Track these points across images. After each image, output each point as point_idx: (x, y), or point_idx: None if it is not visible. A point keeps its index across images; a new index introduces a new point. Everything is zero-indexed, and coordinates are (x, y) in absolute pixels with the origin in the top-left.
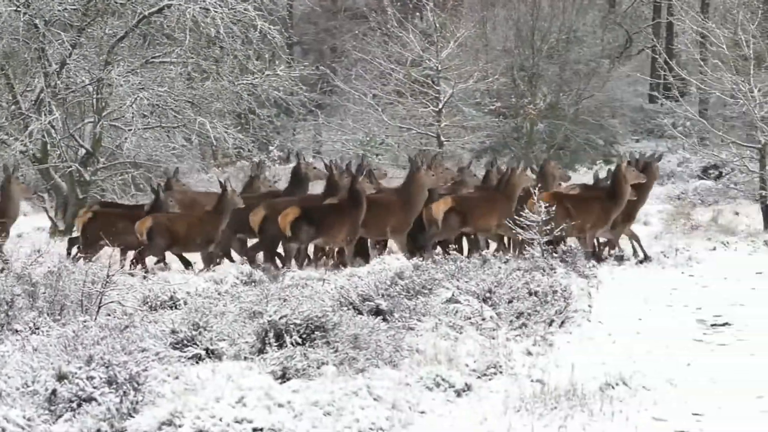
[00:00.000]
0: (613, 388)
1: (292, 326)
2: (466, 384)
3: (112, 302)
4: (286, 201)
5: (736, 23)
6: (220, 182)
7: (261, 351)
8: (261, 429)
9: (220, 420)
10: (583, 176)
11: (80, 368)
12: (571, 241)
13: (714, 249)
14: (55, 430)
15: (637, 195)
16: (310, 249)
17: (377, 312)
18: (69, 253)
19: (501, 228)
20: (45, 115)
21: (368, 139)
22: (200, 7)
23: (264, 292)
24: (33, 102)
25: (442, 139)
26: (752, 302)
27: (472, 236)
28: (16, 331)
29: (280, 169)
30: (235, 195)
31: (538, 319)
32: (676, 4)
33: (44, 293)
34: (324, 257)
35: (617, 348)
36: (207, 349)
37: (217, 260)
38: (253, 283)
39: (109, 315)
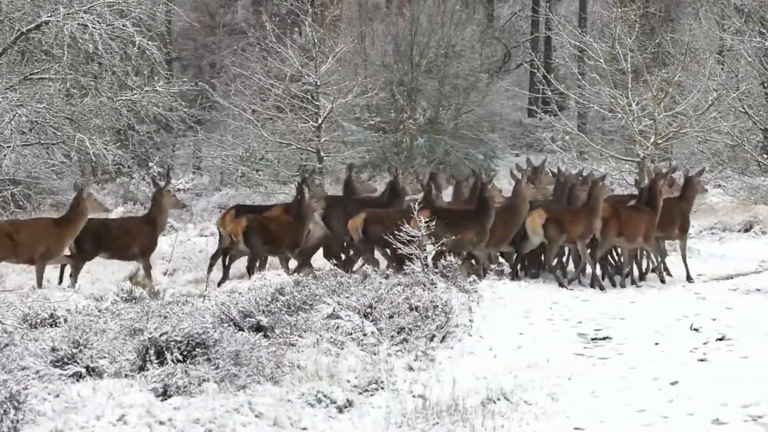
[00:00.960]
0: (494, 402)
1: (172, 343)
2: (347, 400)
3: None
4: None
5: (614, 37)
6: (299, 188)
7: (142, 368)
8: None
9: None
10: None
11: None
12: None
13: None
14: None
15: (683, 208)
16: None
17: (258, 328)
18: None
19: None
20: None
21: (248, 154)
22: (78, 24)
23: (144, 309)
24: None
25: (322, 154)
26: (632, 316)
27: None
28: None
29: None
30: (312, 201)
31: (420, 334)
32: (554, 19)
33: None
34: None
35: (498, 362)
36: (87, 367)
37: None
38: (133, 300)
39: None
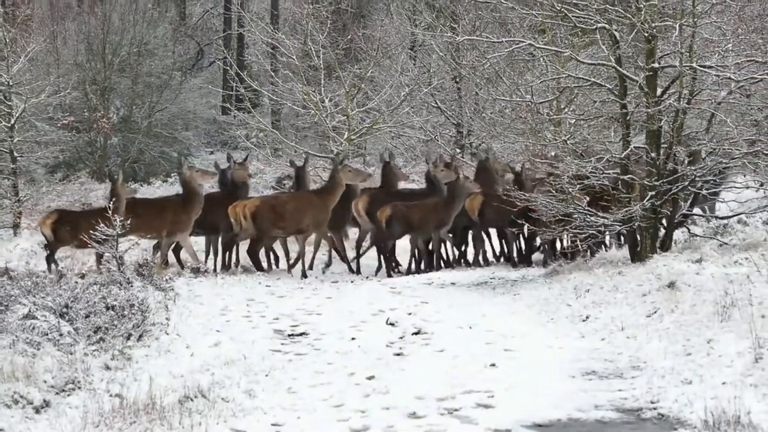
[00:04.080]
0: (192, 400)
1: None
2: (44, 400)
3: None
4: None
5: (306, 34)
6: (456, 171)
7: None
8: None
9: None
10: (157, 189)
11: None
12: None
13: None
14: None
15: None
16: None
17: None
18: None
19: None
20: None
21: None
22: None
23: None
24: None
25: (16, 154)
26: (328, 311)
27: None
28: None
29: None
30: (467, 181)
31: (116, 333)
32: (247, 16)
33: None
34: None
35: (196, 360)
36: None
37: None
38: None
39: None
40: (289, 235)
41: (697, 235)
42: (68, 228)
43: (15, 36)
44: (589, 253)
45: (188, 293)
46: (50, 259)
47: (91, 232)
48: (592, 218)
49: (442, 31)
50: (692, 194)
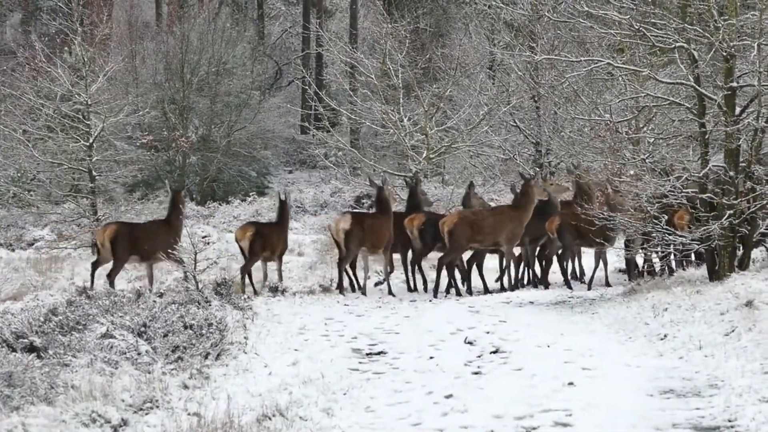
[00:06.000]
0: (270, 419)
1: None
2: (122, 419)
3: None
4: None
5: (385, 53)
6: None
7: None
8: None
9: None
10: (236, 208)
11: None
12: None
13: (369, 278)
14: None
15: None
16: None
17: (31, 349)
18: None
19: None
20: None
21: (20, 175)
22: None
23: None
24: None
25: (94, 173)
26: (406, 330)
27: None
28: None
29: None
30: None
31: (194, 352)
32: (325, 35)
33: None
34: None
35: (274, 379)
36: None
37: None
38: None
39: None
40: (486, 249)
41: None
42: (263, 240)
43: (93, 55)
44: (668, 272)
45: (266, 312)
46: (245, 272)
47: None
48: (671, 237)
49: (520, 50)
50: None
